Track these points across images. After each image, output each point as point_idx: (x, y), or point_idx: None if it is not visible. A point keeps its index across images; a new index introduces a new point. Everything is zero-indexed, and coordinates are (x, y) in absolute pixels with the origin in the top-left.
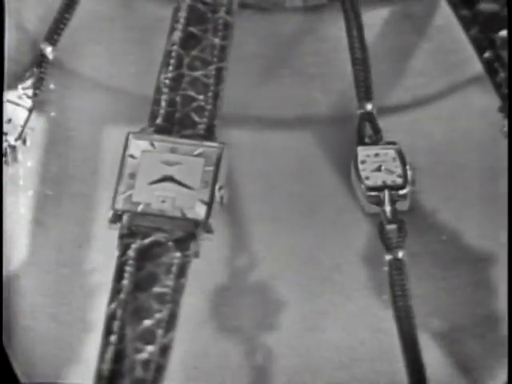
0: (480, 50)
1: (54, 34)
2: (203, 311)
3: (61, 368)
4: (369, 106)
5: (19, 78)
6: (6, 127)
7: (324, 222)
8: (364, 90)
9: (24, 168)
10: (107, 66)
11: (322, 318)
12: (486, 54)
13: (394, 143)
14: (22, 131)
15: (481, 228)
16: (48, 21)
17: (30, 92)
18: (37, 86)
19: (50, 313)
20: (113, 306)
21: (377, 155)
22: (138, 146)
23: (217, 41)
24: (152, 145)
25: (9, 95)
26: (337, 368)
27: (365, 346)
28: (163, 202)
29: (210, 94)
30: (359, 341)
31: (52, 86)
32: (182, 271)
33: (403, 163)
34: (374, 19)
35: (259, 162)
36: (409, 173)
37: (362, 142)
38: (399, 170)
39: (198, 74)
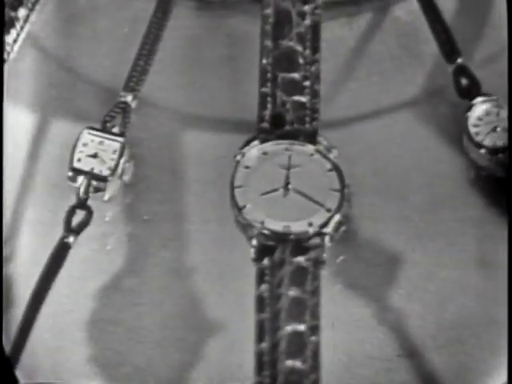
0: (262, 83)
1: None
2: None
3: (60, 368)
4: (129, 97)
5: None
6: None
7: None
8: (135, 80)
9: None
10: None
11: None
12: (264, 89)
13: (123, 136)
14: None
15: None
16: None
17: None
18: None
19: (49, 313)
20: None
21: (101, 143)
22: None
23: None
24: None
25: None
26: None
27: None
28: None
29: None
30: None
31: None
32: None
33: (119, 158)
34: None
35: None
36: (120, 168)
37: (103, 128)
38: (112, 164)
39: None
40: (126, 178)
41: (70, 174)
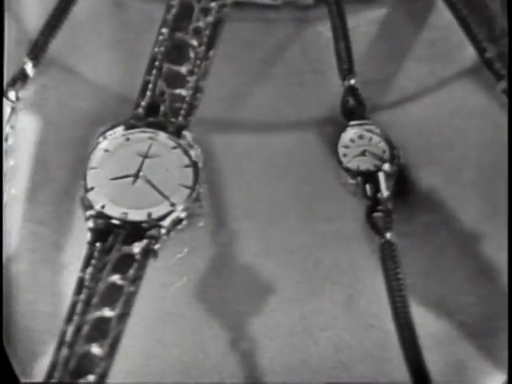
0: (147, 70)
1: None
2: None
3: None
4: (29, 65)
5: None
6: None
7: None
8: (37, 49)
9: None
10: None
11: None
12: (147, 76)
13: (13, 102)
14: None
15: None
16: None
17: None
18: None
19: (49, 312)
20: None
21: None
22: None
23: None
24: None
25: None
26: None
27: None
28: None
29: None
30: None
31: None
32: None
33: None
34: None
35: None
36: (5, 134)
37: (5, 92)
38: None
39: None
40: (10, 142)
41: None
